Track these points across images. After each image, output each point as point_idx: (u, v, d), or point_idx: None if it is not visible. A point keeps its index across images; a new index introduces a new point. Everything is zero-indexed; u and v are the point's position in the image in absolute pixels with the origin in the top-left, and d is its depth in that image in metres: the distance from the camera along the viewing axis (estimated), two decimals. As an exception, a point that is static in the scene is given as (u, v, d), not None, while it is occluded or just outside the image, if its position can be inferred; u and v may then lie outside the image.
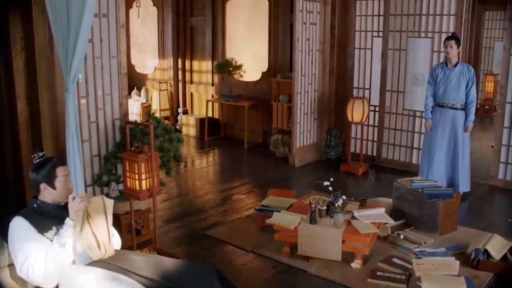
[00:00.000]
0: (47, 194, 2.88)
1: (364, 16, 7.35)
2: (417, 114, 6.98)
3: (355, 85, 7.59)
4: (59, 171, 2.89)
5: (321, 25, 7.54)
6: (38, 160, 2.92)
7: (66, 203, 2.85)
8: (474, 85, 5.76)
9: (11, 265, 2.76)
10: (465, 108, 5.78)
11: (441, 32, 6.65)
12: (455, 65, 5.74)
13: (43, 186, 2.88)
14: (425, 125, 6.00)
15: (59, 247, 2.67)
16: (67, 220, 2.75)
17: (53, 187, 2.87)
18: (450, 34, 5.97)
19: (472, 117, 5.80)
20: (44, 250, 2.66)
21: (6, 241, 2.75)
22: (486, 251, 4.25)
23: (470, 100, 5.78)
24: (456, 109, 5.78)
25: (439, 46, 6.68)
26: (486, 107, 11.86)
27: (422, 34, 6.83)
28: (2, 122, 4.70)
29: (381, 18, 7.16)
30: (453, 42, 5.67)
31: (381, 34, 7.19)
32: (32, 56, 4.43)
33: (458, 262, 4.03)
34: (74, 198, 2.78)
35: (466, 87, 5.75)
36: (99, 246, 2.71)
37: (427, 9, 6.76)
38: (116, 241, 2.98)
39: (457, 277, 3.82)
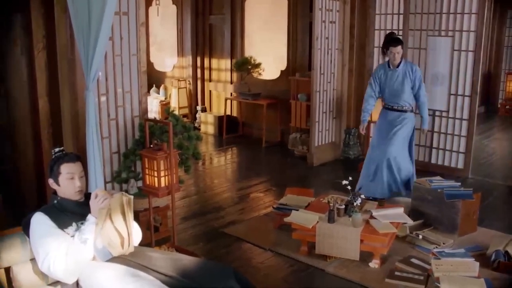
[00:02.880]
0: (58, 190, 2.92)
1: (384, 15, 7.30)
2: (436, 113, 6.91)
3: (374, 84, 7.54)
4: (64, 168, 2.87)
5: (340, 23, 7.51)
6: (53, 156, 2.96)
7: (86, 200, 2.89)
8: (423, 85, 5.54)
9: (33, 260, 2.80)
10: (418, 110, 5.65)
11: (461, 30, 6.57)
12: (398, 66, 5.51)
13: (50, 181, 2.92)
14: (360, 127, 5.80)
15: (80, 243, 2.70)
16: (89, 217, 2.77)
17: (58, 183, 2.89)
18: (393, 37, 5.58)
19: (425, 118, 5.62)
20: (65, 245, 2.69)
21: (28, 236, 2.79)
22: (506, 252, 4.19)
23: (421, 101, 5.54)
24: (404, 111, 5.57)
25: (459, 45, 6.62)
26: (507, 107, 11.70)
27: (443, 33, 6.76)
28: (24, 120, 4.77)
29: (401, 16, 7.10)
30: (400, 48, 5.41)
31: (400, 33, 7.13)
32: (53, 54, 4.49)
33: (477, 263, 3.99)
34: (96, 195, 2.79)
35: (413, 88, 5.50)
36: (122, 244, 2.73)
37: (448, 8, 6.68)
38: (136, 233, 3.00)
39: (476, 279, 3.79)
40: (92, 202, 2.78)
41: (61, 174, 2.88)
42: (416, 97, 5.56)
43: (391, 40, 5.47)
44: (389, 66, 5.56)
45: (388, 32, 5.68)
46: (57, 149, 2.98)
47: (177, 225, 4.72)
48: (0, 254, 2.75)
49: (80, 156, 3.04)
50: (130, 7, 4.66)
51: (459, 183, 5.14)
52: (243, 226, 5.11)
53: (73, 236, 2.76)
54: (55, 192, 2.95)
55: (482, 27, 6.45)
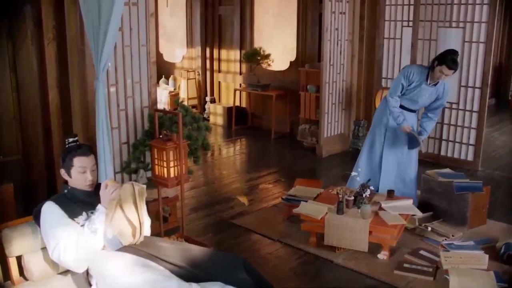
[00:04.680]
0: (69, 181, 2.92)
1: (394, 6, 7.24)
2: (447, 105, 6.85)
3: (384, 75, 7.50)
4: (77, 161, 2.86)
5: (350, 14, 7.47)
6: (67, 146, 2.96)
7: (97, 190, 2.90)
8: (445, 101, 5.07)
9: (44, 249, 2.82)
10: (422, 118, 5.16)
11: (473, 22, 6.51)
12: (436, 83, 4.90)
13: (62, 171, 2.92)
14: (404, 128, 4.96)
15: (90, 233, 2.71)
16: (99, 207, 2.78)
17: (69, 175, 2.90)
18: (455, 58, 4.73)
19: (427, 133, 5.15)
20: (75, 235, 2.71)
21: (39, 226, 2.81)
22: (516, 245, 4.18)
23: (433, 118, 5.07)
24: (414, 112, 5.17)
25: (470, 36, 6.56)
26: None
27: (454, 24, 6.70)
28: (35, 110, 4.79)
29: (411, 7, 7.05)
30: (454, 72, 4.80)
31: (411, 24, 7.09)
32: (63, 45, 4.50)
33: (487, 256, 3.97)
34: (106, 186, 2.79)
35: (436, 100, 5.00)
36: (133, 234, 2.74)
37: (459, -2, 6.64)
38: (147, 227, 3.01)
39: (486, 271, 3.77)
40: (102, 192, 2.79)
41: (73, 166, 2.87)
42: (430, 111, 5.08)
43: (453, 62, 4.70)
44: (427, 80, 4.87)
45: (449, 49, 4.88)
46: (71, 139, 2.96)
47: (186, 216, 4.74)
48: (11, 243, 2.78)
49: (92, 149, 3.04)
50: (139, -3, 4.66)
51: (462, 173, 5.13)
52: (252, 217, 5.12)
53: (83, 225, 2.78)
54: (66, 182, 2.96)
55: (493, 18, 6.38)
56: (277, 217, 5.07)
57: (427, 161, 6.89)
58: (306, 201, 4.58)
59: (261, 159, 7.45)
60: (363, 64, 7.67)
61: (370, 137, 5.35)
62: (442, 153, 6.99)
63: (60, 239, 2.69)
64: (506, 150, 7.80)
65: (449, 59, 4.70)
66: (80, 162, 2.87)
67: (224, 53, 9.73)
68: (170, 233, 4.41)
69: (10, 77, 4.90)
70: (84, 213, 2.86)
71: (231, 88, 9.55)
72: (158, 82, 9.26)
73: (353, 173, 4.36)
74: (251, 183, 6.22)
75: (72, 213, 2.82)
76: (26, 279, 2.88)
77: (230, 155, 7.78)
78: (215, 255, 2.92)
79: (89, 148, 3.00)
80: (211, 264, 2.78)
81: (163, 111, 4.98)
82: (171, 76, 10.48)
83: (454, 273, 3.70)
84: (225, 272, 2.74)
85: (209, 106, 9.70)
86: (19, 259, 2.85)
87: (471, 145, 6.75)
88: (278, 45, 8.62)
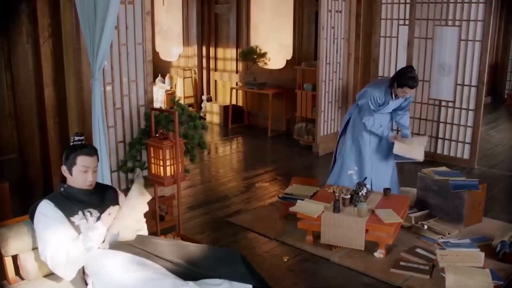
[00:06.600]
0: (69, 179, 2.91)
1: (390, 4, 7.25)
2: (443, 104, 6.89)
3: (380, 73, 7.50)
4: (80, 160, 2.85)
5: (347, 12, 7.47)
6: (72, 143, 2.95)
7: (95, 189, 2.92)
8: (412, 97, 5.18)
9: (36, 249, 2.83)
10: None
11: (469, 20, 6.52)
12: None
13: (63, 168, 2.91)
14: (391, 138, 5.03)
15: (83, 249, 2.71)
16: (99, 226, 2.78)
17: (70, 173, 2.88)
18: (414, 76, 4.74)
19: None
20: (65, 248, 2.68)
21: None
22: (512, 243, 4.19)
23: (407, 109, 5.10)
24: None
25: (466, 34, 6.57)
26: (514, 97, 11.64)
27: (450, 23, 6.71)
28: (30, 108, 4.77)
29: (408, 5, 7.05)
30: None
31: (407, 22, 7.09)
32: (59, 43, 4.49)
33: (483, 254, 3.97)
34: (109, 213, 2.83)
35: (399, 109, 5.08)
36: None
37: (455, -3, 6.65)
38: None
39: (482, 269, 3.78)
40: (105, 217, 2.81)
41: (76, 165, 2.86)
42: (401, 110, 5.10)
43: (413, 80, 4.73)
44: (391, 96, 4.91)
45: (404, 69, 4.91)
46: (76, 138, 2.96)
47: (182, 214, 4.73)
48: (7, 242, 2.77)
49: (97, 150, 3.03)
50: (135, -4, 4.64)
51: (458, 171, 5.13)
52: (249, 216, 5.12)
53: (78, 225, 2.77)
54: (63, 180, 2.95)
55: (490, 16, 6.39)
56: (273, 215, 5.07)
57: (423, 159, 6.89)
58: (303, 200, 4.58)
59: (258, 158, 7.44)
60: (360, 63, 7.68)
61: (355, 144, 5.21)
62: (438, 151, 7.00)
63: (48, 245, 2.68)
64: (502, 148, 7.82)
65: (408, 78, 4.70)
66: (83, 161, 2.86)
67: (220, 52, 9.71)
68: (166, 232, 4.39)
69: (5, 75, 4.89)
70: (80, 212, 2.85)
71: (227, 86, 9.54)
72: (154, 81, 9.26)
73: (349, 172, 4.36)
74: (248, 181, 6.22)
75: (69, 212, 2.81)
76: (22, 278, 2.88)
77: (226, 153, 7.77)
78: (213, 250, 2.92)
79: (94, 149, 3.00)
80: (209, 260, 2.78)
81: (160, 109, 4.97)
82: (168, 74, 10.46)
83: (450, 271, 3.71)
84: (224, 267, 2.74)
85: (206, 105, 9.69)
86: (15, 258, 2.84)
87: (467, 143, 6.76)
88: (275, 44, 8.62)
